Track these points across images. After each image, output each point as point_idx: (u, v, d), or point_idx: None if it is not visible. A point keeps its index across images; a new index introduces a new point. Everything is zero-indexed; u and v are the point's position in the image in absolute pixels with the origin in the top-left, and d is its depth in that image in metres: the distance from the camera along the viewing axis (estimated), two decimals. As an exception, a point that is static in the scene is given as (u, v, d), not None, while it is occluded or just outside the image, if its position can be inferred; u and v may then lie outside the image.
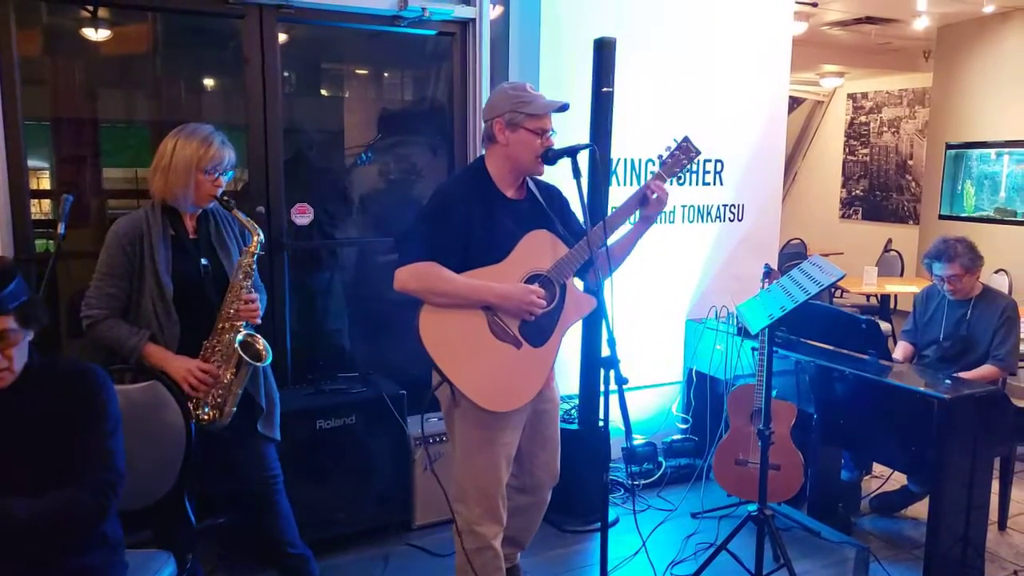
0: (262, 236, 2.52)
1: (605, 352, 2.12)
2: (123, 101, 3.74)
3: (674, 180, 2.52)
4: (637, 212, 2.49)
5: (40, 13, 3.31)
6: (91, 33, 3.43)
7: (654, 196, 2.42)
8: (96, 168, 3.57)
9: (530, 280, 2.34)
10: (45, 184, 3.48)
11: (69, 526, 1.79)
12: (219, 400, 2.42)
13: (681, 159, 2.47)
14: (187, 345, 2.43)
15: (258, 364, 2.47)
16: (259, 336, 2.52)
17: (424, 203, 2.43)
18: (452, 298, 2.25)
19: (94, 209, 3.53)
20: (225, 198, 2.49)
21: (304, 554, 2.75)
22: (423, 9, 3.49)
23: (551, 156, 2.32)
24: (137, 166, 3.68)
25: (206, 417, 2.39)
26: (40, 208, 3.40)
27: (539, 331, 2.34)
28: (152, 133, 3.70)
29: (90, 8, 3.36)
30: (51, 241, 3.25)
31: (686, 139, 2.48)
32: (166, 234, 2.45)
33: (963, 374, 3.42)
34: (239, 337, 2.43)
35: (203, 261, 2.50)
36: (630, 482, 3.89)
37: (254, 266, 2.51)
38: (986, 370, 3.51)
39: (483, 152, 2.46)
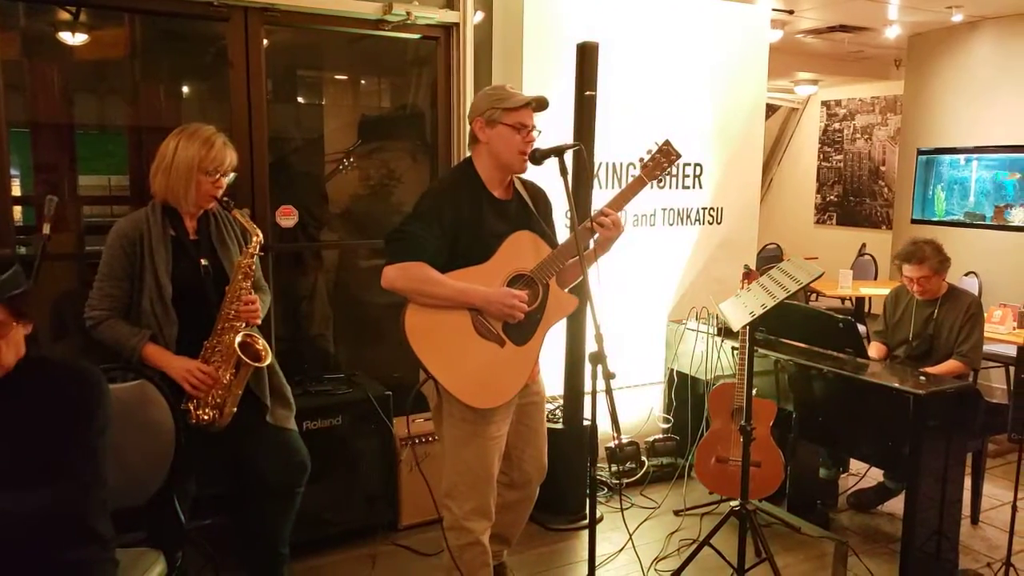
0: (262, 237, 2.53)
1: (593, 348, 2.16)
2: (102, 107, 3.73)
3: (654, 184, 2.54)
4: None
5: (18, 16, 3.29)
6: (70, 37, 3.42)
7: (602, 227, 2.39)
8: (72, 174, 3.55)
9: (514, 280, 2.38)
10: (16, 191, 3.46)
11: (42, 531, 1.77)
12: (218, 401, 2.42)
13: (662, 162, 2.48)
14: (187, 345, 2.44)
15: (257, 365, 2.46)
16: (259, 336, 2.53)
17: (415, 203, 2.45)
18: (439, 300, 2.29)
19: (71, 214, 3.52)
20: (225, 199, 2.50)
21: (287, 556, 2.76)
22: (408, 13, 3.52)
23: (538, 156, 2.35)
24: (113, 173, 3.68)
25: (206, 417, 2.40)
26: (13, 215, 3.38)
27: (522, 330, 2.38)
28: (131, 139, 3.69)
29: (71, 9, 3.35)
30: (22, 248, 3.24)
31: (667, 142, 2.50)
32: (166, 234, 2.46)
33: (929, 369, 3.51)
34: (238, 338, 2.43)
35: (203, 262, 2.50)
36: (614, 481, 3.93)
37: (254, 267, 2.52)
38: (951, 365, 3.61)
39: (469, 154, 2.50)
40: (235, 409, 2.45)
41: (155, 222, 2.45)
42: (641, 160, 2.49)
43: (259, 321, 2.52)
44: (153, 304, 2.40)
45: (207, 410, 2.40)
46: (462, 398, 2.31)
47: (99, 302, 2.42)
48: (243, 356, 2.42)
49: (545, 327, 2.44)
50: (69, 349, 3.36)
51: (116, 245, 2.42)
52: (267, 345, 2.54)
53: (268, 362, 2.51)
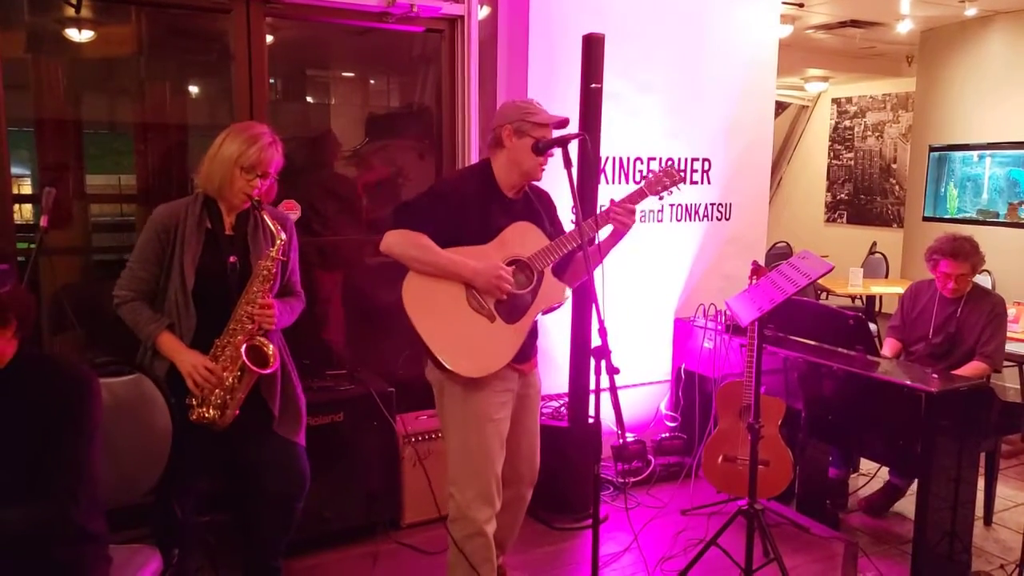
0: (284, 237, 2.48)
1: (596, 342, 2.13)
2: (108, 105, 3.70)
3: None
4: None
5: (23, 12, 3.27)
6: (74, 34, 3.39)
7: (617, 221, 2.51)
8: (79, 171, 3.53)
9: (509, 264, 2.44)
10: (27, 189, 3.45)
11: (30, 537, 1.78)
12: (220, 401, 2.39)
13: (664, 180, 2.58)
14: (202, 339, 2.42)
15: (260, 372, 2.41)
16: (270, 342, 2.46)
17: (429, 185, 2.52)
18: (430, 268, 2.37)
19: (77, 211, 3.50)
20: (256, 199, 2.47)
21: (279, 569, 2.72)
22: (411, 5, 3.49)
23: (542, 146, 2.39)
24: (122, 172, 3.67)
25: (207, 416, 2.36)
26: (21, 214, 3.37)
27: (513, 310, 2.44)
28: (136, 137, 3.66)
29: (74, 3, 3.33)
30: (33, 245, 3.22)
31: (671, 162, 2.55)
32: (201, 227, 2.46)
33: (955, 371, 3.43)
34: (246, 342, 2.40)
35: (232, 259, 2.48)
36: (620, 479, 3.88)
37: (275, 271, 2.46)
38: (976, 366, 3.53)
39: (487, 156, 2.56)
40: (237, 412, 2.40)
41: (193, 212, 2.46)
42: (643, 175, 2.54)
43: (273, 326, 2.47)
44: (176, 294, 2.41)
45: (209, 409, 2.36)
46: (445, 360, 2.34)
47: (127, 283, 2.43)
48: (247, 361, 2.37)
49: (535, 311, 2.49)
50: (70, 343, 3.35)
51: (151, 230, 2.44)
52: (278, 353, 2.48)
53: (272, 370, 2.45)
